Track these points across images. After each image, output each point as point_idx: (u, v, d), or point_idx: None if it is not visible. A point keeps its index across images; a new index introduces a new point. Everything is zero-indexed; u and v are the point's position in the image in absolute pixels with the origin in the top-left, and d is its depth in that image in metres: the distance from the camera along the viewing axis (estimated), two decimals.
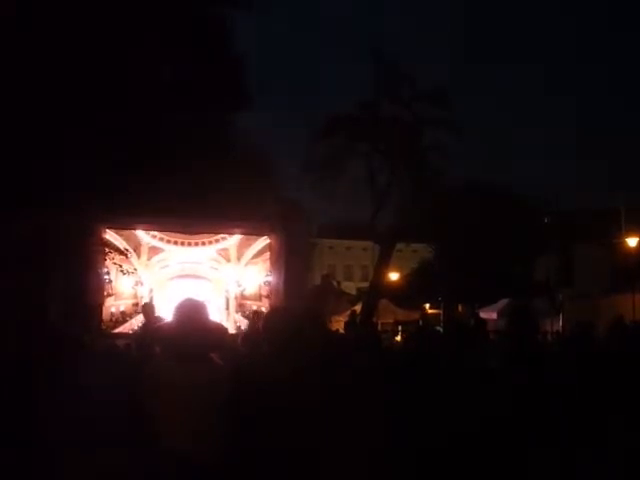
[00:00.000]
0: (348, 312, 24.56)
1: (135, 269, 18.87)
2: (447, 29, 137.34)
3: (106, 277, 18.29)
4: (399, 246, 33.06)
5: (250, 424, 4.00)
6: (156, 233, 18.64)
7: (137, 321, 17.64)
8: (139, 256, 18.66)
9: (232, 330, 16.77)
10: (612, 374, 4.33)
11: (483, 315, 23.44)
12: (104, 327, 17.11)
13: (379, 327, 26.83)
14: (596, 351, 4.99)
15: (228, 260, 19.08)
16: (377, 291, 29.87)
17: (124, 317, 18.03)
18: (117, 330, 17.29)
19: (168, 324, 4.84)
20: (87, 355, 5.09)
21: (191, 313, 4.58)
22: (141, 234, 18.60)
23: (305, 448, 3.80)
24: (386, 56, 28.87)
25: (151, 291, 18.52)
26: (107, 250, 17.54)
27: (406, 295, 35.38)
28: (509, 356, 5.28)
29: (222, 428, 4.11)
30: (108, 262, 17.78)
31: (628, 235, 28.73)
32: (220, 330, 4.72)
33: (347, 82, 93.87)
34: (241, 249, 19.24)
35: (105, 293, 17.86)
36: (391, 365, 5.51)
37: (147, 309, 12.88)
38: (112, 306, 18.10)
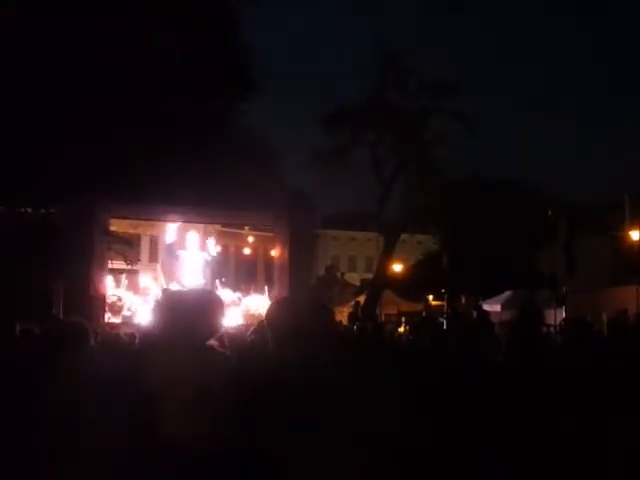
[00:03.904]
0: (352, 303, 24.59)
1: (139, 259, 18.90)
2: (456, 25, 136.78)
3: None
4: (403, 237, 33.09)
5: (250, 416, 4.00)
6: None
7: (137, 308, 17.62)
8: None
9: None
10: (613, 370, 4.31)
11: (487, 307, 23.42)
12: (106, 317, 17.12)
13: (382, 318, 26.86)
14: (594, 347, 4.95)
15: None
16: (381, 282, 29.92)
17: (124, 305, 18.00)
18: (117, 321, 17.27)
19: (158, 321, 4.85)
20: (91, 347, 5.08)
21: (173, 306, 4.56)
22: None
23: (305, 440, 3.81)
24: (390, 47, 28.85)
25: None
26: (111, 240, 17.57)
27: (410, 286, 35.37)
28: (513, 349, 5.27)
29: (222, 420, 4.11)
30: (111, 252, 17.82)
31: (631, 228, 28.69)
32: (208, 305, 4.54)
33: (353, 72, 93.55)
34: None
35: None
36: (392, 360, 5.49)
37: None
38: (112, 295, 18.07)
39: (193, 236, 19.02)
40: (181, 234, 18.92)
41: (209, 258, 18.94)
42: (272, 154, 21.78)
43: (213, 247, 19.13)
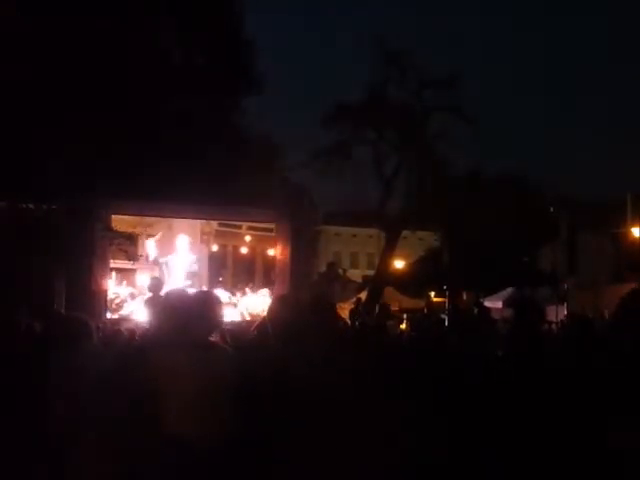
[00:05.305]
0: (353, 300, 24.57)
1: (140, 255, 18.87)
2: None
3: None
4: (405, 234, 33.06)
5: (251, 412, 4.01)
6: None
7: (135, 306, 17.58)
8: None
9: None
10: (615, 368, 4.31)
11: (489, 304, 23.43)
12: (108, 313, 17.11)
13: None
14: (596, 345, 4.95)
15: None
16: (382, 279, 29.91)
17: (122, 302, 17.97)
18: (118, 315, 17.23)
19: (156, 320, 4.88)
20: (94, 343, 5.10)
21: (171, 304, 4.59)
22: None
23: (305, 436, 3.82)
24: (391, 46, 28.79)
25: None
26: (112, 235, 17.53)
27: (411, 283, 35.37)
28: (513, 344, 5.28)
29: (224, 415, 4.13)
30: (113, 248, 17.78)
31: (633, 224, 28.68)
32: (205, 304, 4.59)
33: (354, 71, 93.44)
34: None
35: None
36: (393, 357, 5.50)
37: (155, 285, 12.62)
38: (112, 293, 18.00)
39: (183, 239, 18.93)
40: (165, 242, 18.78)
41: (196, 265, 18.88)
42: (273, 151, 21.77)
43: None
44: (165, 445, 4.09)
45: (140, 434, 4.12)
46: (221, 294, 17.49)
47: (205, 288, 16.84)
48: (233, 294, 19.26)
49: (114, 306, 17.60)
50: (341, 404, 3.87)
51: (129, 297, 18.00)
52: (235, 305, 18.25)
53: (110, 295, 17.52)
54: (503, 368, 4.99)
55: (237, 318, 17.13)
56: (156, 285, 12.45)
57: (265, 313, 4.88)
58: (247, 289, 19.94)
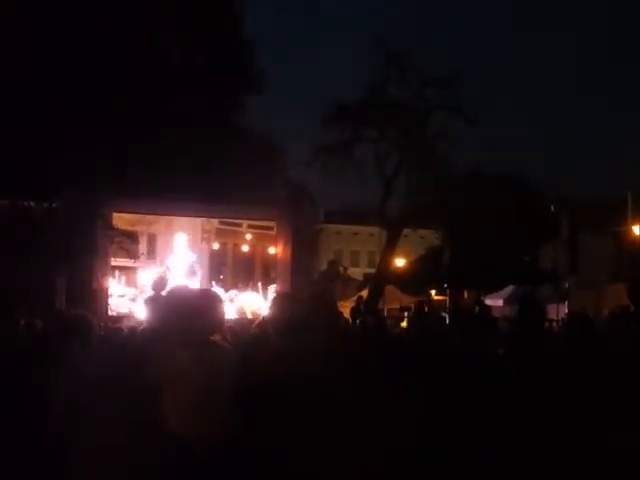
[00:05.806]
0: (354, 298, 24.58)
1: (142, 253, 18.88)
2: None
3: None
4: (406, 232, 33.04)
5: (250, 410, 4.01)
6: None
7: (136, 304, 17.58)
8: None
9: None
10: (615, 367, 4.31)
11: (489, 302, 23.43)
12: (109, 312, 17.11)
13: (385, 313, 26.85)
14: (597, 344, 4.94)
15: None
16: (383, 277, 29.89)
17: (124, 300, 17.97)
18: (118, 314, 17.23)
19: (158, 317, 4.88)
20: (93, 340, 5.10)
21: (173, 303, 4.59)
22: None
23: (305, 433, 3.81)
24: (390, 45, 28.75)
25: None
26: (114, 233, 17.54)
27: (412, 281, 35.33)
28: (515, 343, 5.27)
29: (224, 413, 4.13)
30: (115, 246, 17.80)
31: (634, 223, 28.69)
32: (207, 303, 4.58)
33: (354, 71, 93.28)
34: None
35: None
36: (393, 356, 5.49)
37: (158, 283, 12.61)
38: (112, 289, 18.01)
39: (181, 238, 18.93)
40: (165, 240, 18.80)
41: (197, 264, 18.92)
42: (275, 150, 21.78)
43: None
44: (165, 445, 4.09)
45: (140, 434, 4.12)
46: (221, 292, 17.54)
47: (206, 286, 16.89)
48: (239, 290, 19.32)
49: (115, 304, 17.63)
50: (342, 403, 3.86)
51: (130, 295, 18.03)
52: (232, 301, 18.27)
53: (111, 293, 17.55)
54: (504, 367, 4.99)
55: (233, 315, 17.10)
56: (159, 283, 12.45)
57: (262, 310, 4.91)
58: (252, 286, 19.99)
